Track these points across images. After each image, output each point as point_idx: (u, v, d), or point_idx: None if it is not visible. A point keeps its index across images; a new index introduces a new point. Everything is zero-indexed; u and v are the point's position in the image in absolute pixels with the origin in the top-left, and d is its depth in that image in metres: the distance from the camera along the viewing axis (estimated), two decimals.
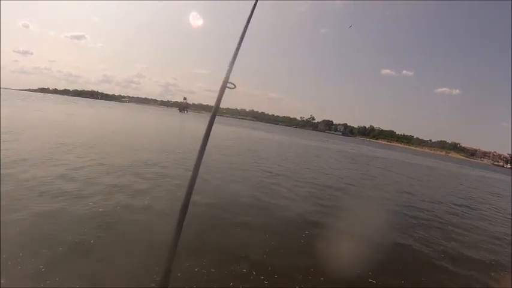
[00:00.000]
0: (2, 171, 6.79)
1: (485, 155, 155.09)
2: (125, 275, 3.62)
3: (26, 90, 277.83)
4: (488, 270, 5.45)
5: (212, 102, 1.36)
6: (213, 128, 1.27)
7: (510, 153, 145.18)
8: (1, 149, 8.71)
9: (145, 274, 3.51)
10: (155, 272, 3.46)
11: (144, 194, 6.75)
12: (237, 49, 1.49)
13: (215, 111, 1.36)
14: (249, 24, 1.62)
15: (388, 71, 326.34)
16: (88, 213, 5.32)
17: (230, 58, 1.48)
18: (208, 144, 1.18)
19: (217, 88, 1.39)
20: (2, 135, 10.84)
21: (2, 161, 7.47)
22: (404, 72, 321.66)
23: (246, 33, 1.58)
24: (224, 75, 1.41)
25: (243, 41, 1.53)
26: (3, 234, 4.09)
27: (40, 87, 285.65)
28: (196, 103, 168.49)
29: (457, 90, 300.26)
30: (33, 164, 7.83)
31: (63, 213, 5.17)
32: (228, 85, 1.41)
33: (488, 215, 10.34)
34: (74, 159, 9.12)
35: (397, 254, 5.52)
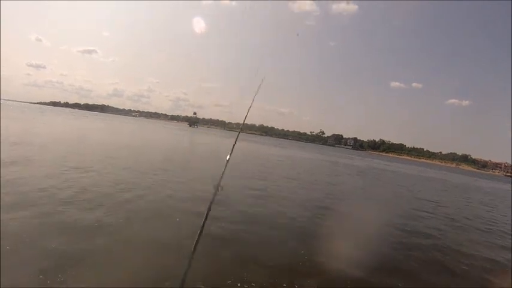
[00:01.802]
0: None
1: (496, 166, 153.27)
2: (141, 276, 3.70)
3: (37, 103, 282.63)
4: (489, 270, 5.62)
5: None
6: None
7: None
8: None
9: (160, 275, 3.65)
10: (170, 273, 3.64)
11: (167, 198, 7.30)
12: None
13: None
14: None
15: (397, 83, 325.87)
16: (109, 213, 5.63)
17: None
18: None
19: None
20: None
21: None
22: (414, 84, 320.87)
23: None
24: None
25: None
26: (12, 231, 4.27)
27: (52, 100, 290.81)
28: (206, 118, 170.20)
29: (467, 101, 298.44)
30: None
31: (83, 213, 5.51)
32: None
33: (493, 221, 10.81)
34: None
35: (400, 256, 5.70)
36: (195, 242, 1.15)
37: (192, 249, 1.13)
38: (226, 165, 1.25)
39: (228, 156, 1.28)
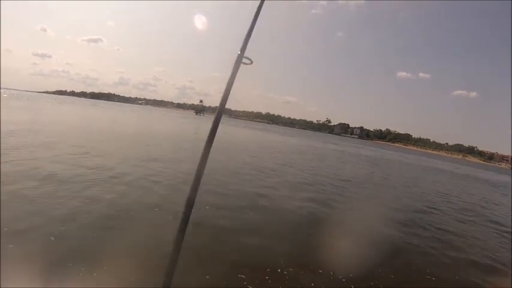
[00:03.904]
0: None
1: (503, 158, 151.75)
2: (127, 275, 3.58)
3: (43, 92, 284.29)
4: (489, 270, 5.55)
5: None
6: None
7: None
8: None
9: (148, 274, 3.53)
10: (158, 273, 3.79)
11: (150, 193, 6.95)
12: (255, 18, 1.32)
13: (227, 93, 1.21)
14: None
15: (404, 73, 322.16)
16: (91, 210, 5.41)
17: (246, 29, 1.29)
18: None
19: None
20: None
21: None
22: (421, 74, 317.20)
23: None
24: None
25: (261, 10, 1.33)
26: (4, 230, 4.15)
27: (58, 89, 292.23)
28: (212, 106, 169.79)
29: (474, 93, 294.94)
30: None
31: (67, 209, 5.29)
32: (244, 60, 1.25)
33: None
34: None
35: (400, 254, 5.63)
36: (176, 236, 1.05)
37: (173, 244, 1.05)
38: (206, 149, 1.09)
39: (206, 140, 1.11)
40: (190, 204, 1.09)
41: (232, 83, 1.23)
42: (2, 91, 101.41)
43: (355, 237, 5.94)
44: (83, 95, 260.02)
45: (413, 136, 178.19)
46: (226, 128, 43.82)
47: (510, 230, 8.96)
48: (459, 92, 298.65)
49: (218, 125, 1.16)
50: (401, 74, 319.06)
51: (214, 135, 1.14)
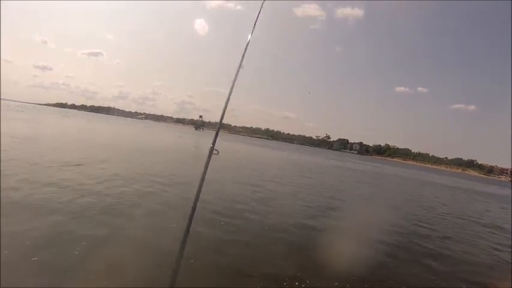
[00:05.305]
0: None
1: (502, 171, 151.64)
2: (132, 275, 3.59)
3: (44, 104, 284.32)
4: (488, 270, 5.69)
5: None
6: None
7: None
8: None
9: (153, 274, 3.56)
10: (162, 272, 3.44)
11: (155, 196, 7.18)
12: (255, 20, 1.51)
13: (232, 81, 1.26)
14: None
15: (402, 88, 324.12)
16: (99, 210, 5.54)
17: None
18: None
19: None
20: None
21: None
22: (419, 89, 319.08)
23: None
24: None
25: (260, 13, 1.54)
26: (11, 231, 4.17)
27: (58, 102, 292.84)
28: (212, 121, 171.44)
29: (473, 106, 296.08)
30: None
31: (72, 209, 5.42)
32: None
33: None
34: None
35: (399, 254, 5.79)
36: (182, 239, 1.08)
37: (179, 246, 1.06)
38: (208, 161, 1.17)
39: (209, 154, 1.19)
40: (195, 203, 1.17)
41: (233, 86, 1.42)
42: (1, 102, 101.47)
43: (358, 247, 6.03)
44: (83, 108, 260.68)
45: (412, 151, 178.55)
46: (233, 145, 44.08)
47: (510, 233, 9.35)
48: (458, 105, 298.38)
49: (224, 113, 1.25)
50: (400, 88, 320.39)
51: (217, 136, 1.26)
